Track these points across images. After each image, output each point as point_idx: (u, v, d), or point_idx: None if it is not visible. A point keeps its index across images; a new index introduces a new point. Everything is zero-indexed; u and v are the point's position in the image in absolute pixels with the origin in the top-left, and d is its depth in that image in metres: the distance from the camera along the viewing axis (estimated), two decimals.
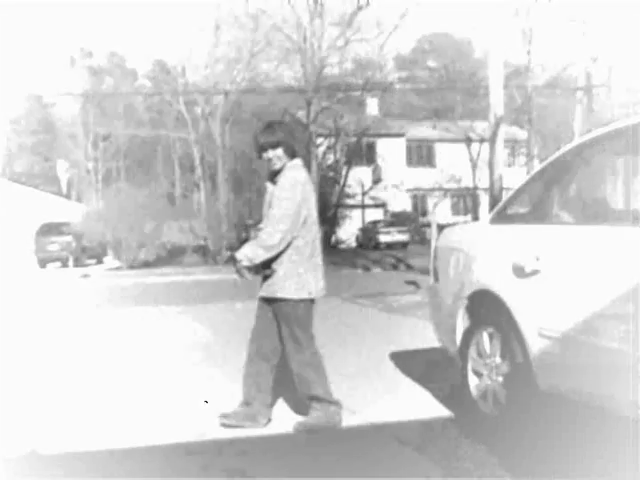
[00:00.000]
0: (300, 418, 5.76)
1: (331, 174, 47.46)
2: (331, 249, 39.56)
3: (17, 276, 28.58)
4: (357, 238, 48.25)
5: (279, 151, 5.59)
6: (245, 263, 5.48)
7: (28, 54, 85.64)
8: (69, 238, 35.12)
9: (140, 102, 64.24)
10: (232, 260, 5.69)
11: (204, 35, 44.63)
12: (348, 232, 48.01)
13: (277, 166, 5.63)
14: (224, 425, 5.68)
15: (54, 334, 11.30)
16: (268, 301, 5.66)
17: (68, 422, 6.07)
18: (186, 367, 8.20)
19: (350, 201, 48.92)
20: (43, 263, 36.66)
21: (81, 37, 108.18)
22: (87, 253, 36.05)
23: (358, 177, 48.00)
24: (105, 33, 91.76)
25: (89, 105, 62.58)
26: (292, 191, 5.46)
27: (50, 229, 36.80)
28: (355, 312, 12.89)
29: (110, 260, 35.08)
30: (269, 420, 5.77)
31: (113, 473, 4.84)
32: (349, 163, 47.53)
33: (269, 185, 5.71)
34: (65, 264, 35.59)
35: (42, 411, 6.44)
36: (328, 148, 46.62)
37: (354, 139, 47.97)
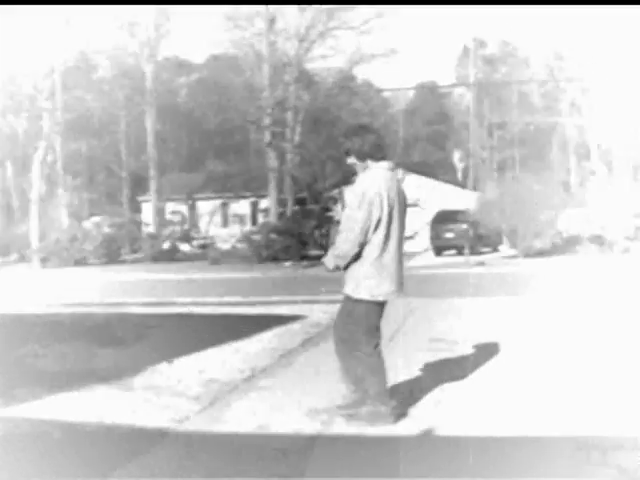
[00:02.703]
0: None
1: None
2: None
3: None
4: None
5: (352, 158, 5.81)
6: (332, 269, 5.78)
7: (424, 46, 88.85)
8: (465, 226, 35.68)
9: (534, 89, 64.10)
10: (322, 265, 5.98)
11: None
12: None
13: (358, 170, 5.85)
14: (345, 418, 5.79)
15: None
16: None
17: None
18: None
19: None
20: (439, 250, 37.69)
21: (474, 27, 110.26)
22: (482, 241, 36.38)
23: None
24: (498, 22, 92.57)
25: (483, 94, 63.55)
26: (358, 199, 5.58)
27: (446, 217, 37.72)
28: None
29: (505, 248, 35.33)
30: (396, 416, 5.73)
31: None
32: None
33: None
34: (460, 252, 36.23)
35: None
36: None
37: None
